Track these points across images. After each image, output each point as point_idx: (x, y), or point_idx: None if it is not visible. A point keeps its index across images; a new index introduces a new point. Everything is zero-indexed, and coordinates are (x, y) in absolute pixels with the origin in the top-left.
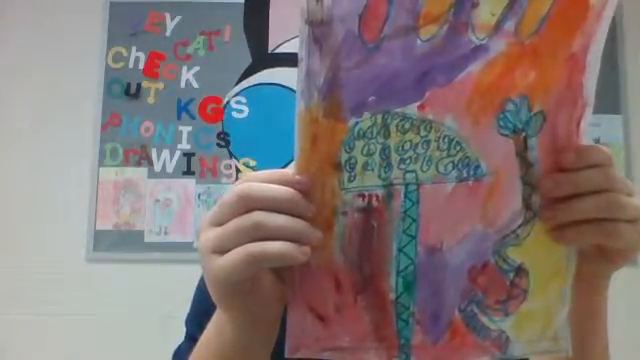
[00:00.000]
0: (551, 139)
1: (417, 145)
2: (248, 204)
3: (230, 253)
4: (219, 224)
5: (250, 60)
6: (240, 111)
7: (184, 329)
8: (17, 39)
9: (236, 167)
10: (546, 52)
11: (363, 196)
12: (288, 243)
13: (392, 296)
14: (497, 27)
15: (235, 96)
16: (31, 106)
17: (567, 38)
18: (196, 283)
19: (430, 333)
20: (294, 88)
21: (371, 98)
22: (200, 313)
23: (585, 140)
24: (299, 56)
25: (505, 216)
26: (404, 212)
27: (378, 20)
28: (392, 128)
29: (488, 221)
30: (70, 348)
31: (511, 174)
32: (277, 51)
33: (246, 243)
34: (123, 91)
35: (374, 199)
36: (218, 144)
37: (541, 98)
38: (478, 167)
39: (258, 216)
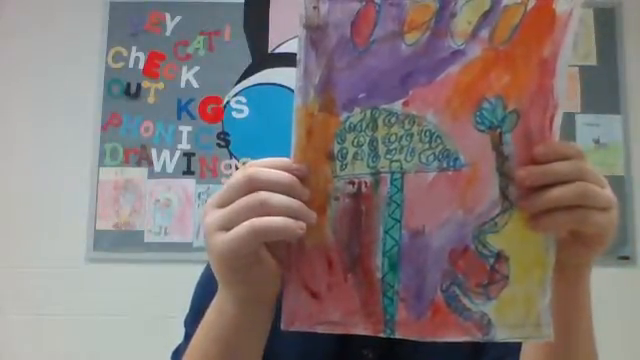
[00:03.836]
0: (525, 135)
1: (402, 137)
2: (253, 185)
3: (236, 228)
4: (225, 205)
5: (250, 60)
6: (240, 111)
7: (183, 330)
8: (17, 39)
9: (236, 167)
10: (519, 58)
11: (353, 183)
12: (288, 218)
13: (378, 275)
14: (473, 34)
15: (235, 96)
16: (31, 106)
17: (538, 45)
18: (196, 283)
19: (413, 310)
20: (294, 88)
21: (361, 95)
22: (199, 313)
23: (583, 140)
24: (297, 57)
25: (483, 204)
26: (390, 198)
27: (368, 26)
28: (379, 122)
29: (467, 208)
30: (70, 348)
31: (488, 166)
32: (277, 51)
33: (251, 219)
34: (123, 91)
35: (363, 186)
36: (218, 144)
37: (515, 98)
38: (457, 159)
39: (264, 195)
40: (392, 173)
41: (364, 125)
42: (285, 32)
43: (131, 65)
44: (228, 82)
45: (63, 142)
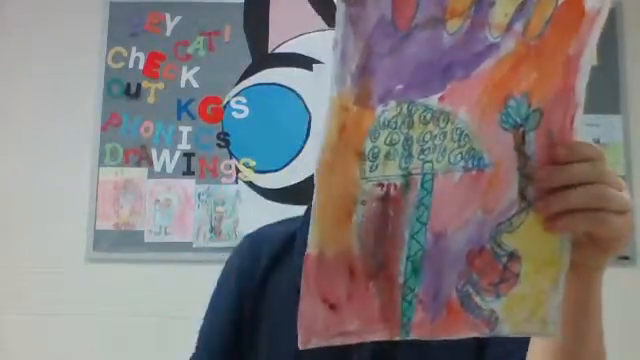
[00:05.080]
0: (547, 134)
1: (436, 136)
2: None
3: None
4: None
5: (250, 60)
6: (240, 111)
7: (188, 331)
8: (17, 39)
9: (236, 167)
10: (548, 54)
11: (382, 185)
12: None
13: (400, 280)
14: (508, 27)
15: (235, 96)
16: (31, 106)
17: (565, 42)
18: (196, 283)
19: (429, 311)
20: (294, 88)
21: (399, 86)
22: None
23: (581, 139)
24: (334, 38)
25: (502, 204)
26: (419, 200)
27: (409, 8)
28: (415, 119)
29: (487, 208)
30: (70, 348)
31: (510, 166)
32: (277, 51)
33: None
34: (123, 91)
35: (392, 188)
36: (218, 144)
37: (539, 96)
38: (481, 158)
39: None
40: (424, 175)
41: (399, 121)
42: (285, 32)
43: (131, 65)
44: (228, 82)
45: (63, 142)
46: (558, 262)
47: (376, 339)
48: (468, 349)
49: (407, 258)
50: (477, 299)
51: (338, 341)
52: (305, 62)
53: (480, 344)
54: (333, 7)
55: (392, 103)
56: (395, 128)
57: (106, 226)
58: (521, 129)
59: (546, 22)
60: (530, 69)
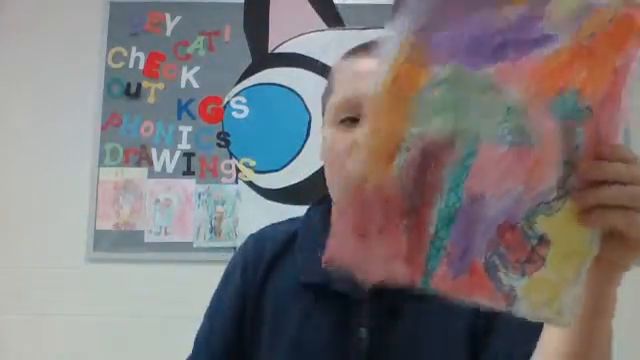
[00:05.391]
0: (594, 132)
1: (485, 105)
2: None
3: None
4: None
5: (250, 60)
6: (240, 111)
7: (188, 331)
8: (17, 39)
9: (236, 167)
10: (599, 57)
11: (428, 137)
12: None
13: (432, 228)
14: (565, 24)
15: (235, 96)
16: (31, 106)
17: (615, 52)
18: (196, 283)
19: (453, 267)
20: (294, 88)
21: (455, 53)
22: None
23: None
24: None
25: (544, 186)
26: (461, 159)
27: None
28: (467, 84)
29: (528, 187)
30: (70, 348)
31: (557, 152)
32: (277, 51)
33: None
34: (123, 91)
35: (437, 142)
36: (218, 144)
37: (590, 95)
38: (530, 137)
39: None
40: (469, 136)
41: (451, 83)
42: (285, 32)
43: (131, 65)
44: (228, 82)
45: (63, 142)
46: (585, 254)
47: (397, 280)
48: (462, 343)
49: (442, 209)
50: (501, 273)
51: (361, 269)
52: (305, 62)
53: (476, 342)
54: (333, 7)
55: (448, 66)
56: (448, 89)
57: (106, 226)
58: (570, 122)
59: (601, 28)
60: (583, 67)
